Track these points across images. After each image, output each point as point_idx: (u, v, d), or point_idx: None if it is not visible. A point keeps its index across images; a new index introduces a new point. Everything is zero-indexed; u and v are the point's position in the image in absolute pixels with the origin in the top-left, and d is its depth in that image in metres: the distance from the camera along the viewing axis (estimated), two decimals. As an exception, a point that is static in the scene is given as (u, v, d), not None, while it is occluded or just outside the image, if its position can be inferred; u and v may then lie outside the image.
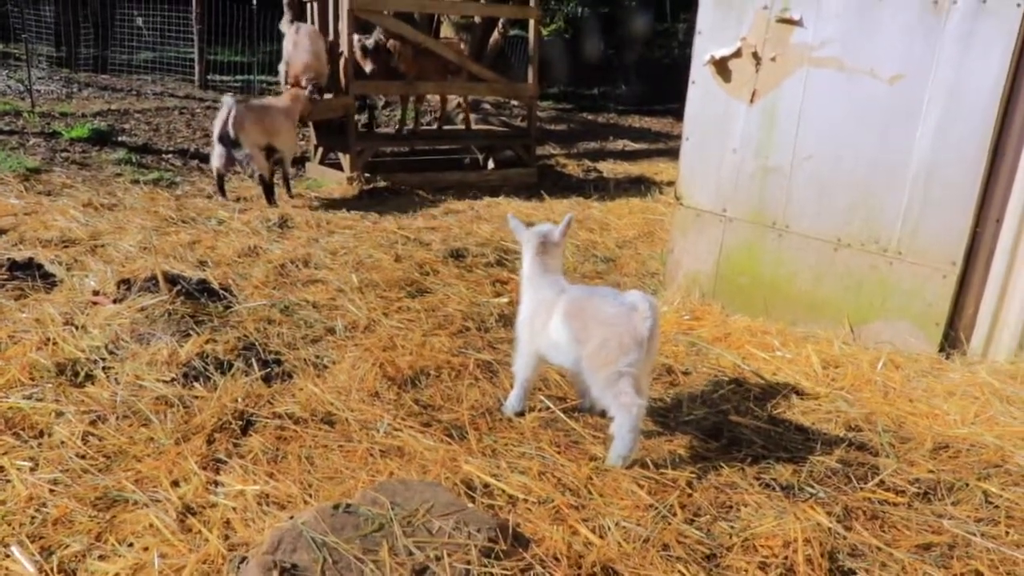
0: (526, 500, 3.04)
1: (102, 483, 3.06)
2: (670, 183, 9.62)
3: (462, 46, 10.88)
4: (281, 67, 9.36)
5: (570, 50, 20.33)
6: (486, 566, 2.52)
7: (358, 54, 9.20)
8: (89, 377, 3.88)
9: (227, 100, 7.53)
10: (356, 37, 9.37)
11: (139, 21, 15.27)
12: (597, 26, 21.86)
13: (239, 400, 3.70)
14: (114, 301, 4.63)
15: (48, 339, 4.16)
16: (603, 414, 3.71)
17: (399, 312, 4.97)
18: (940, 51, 4.26)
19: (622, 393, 3.23)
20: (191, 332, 4.29)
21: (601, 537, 2.84)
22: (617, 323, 3.24)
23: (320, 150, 10.05)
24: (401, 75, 9.64)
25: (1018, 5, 4.01)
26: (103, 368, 3.94)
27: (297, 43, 8.66)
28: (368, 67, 9.27)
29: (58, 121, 10.59)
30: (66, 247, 5.87)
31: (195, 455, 3.25)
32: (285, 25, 9.22)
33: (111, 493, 3.00)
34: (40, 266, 5.28)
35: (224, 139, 7.50)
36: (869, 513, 3.09)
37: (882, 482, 3.30)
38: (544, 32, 20.68)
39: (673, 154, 8.89)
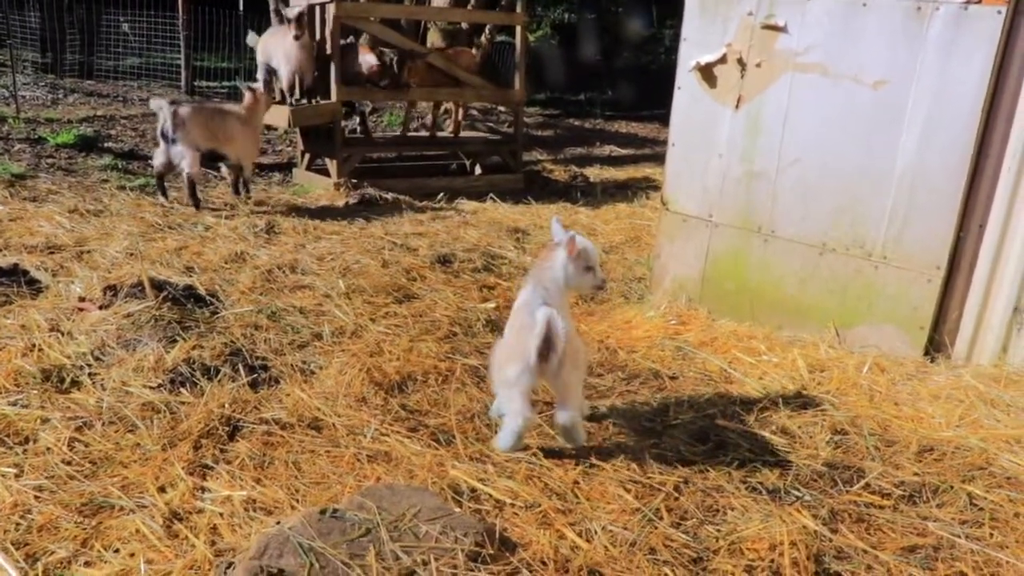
0: (513, 504, 3.04)
1: (88, 489, 3.04)
2: (656, 188, 9.66)
3: (473, 51, 10.92)
4: (260, 75, 9.36)
5: (557, 56, 20.41)
6: (473, 571, 2.52)
7: (374, 68, 9.18)
8: (75, 383, 3.86)
9: (159, 102, 7.42)
10: (379, 50, 9.41)
11: (125, 27, 15.22)
12: (584, 32, 21.97)
13: (226, 406, 3.69)
14: (100, 307, 4.61)
15: (34, 345, 4.13)
16: (590, 418, 3.73)
17: (386, 318, 4.96)
18: (923, 57, 4.30)
19: (512, 400, 3.32)
20: (177, 338, 4.28)
21: (588, 541, 2.84)
22: (520, 334, 3.30)
23: (307, 156, 10.04)
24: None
25: (999, 12, 4.06)
26: (89, 374, 3.92)
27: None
28: (383, 81, 9.31)
29: (44, 127, 10.54)
30: (52, 253, 5.84)
31: (182, 461, 3.24)
32: (253, 38, 9.22)
33: (97, 499, 2.99)
34: (25, 272, 5.25)
35: (164, 136, 7.37)
36: (855, 516, 3.10)
37: (868, 485, 3.32)
38: (531, 38, 20.75)
39: (659, 159, 8.93)
